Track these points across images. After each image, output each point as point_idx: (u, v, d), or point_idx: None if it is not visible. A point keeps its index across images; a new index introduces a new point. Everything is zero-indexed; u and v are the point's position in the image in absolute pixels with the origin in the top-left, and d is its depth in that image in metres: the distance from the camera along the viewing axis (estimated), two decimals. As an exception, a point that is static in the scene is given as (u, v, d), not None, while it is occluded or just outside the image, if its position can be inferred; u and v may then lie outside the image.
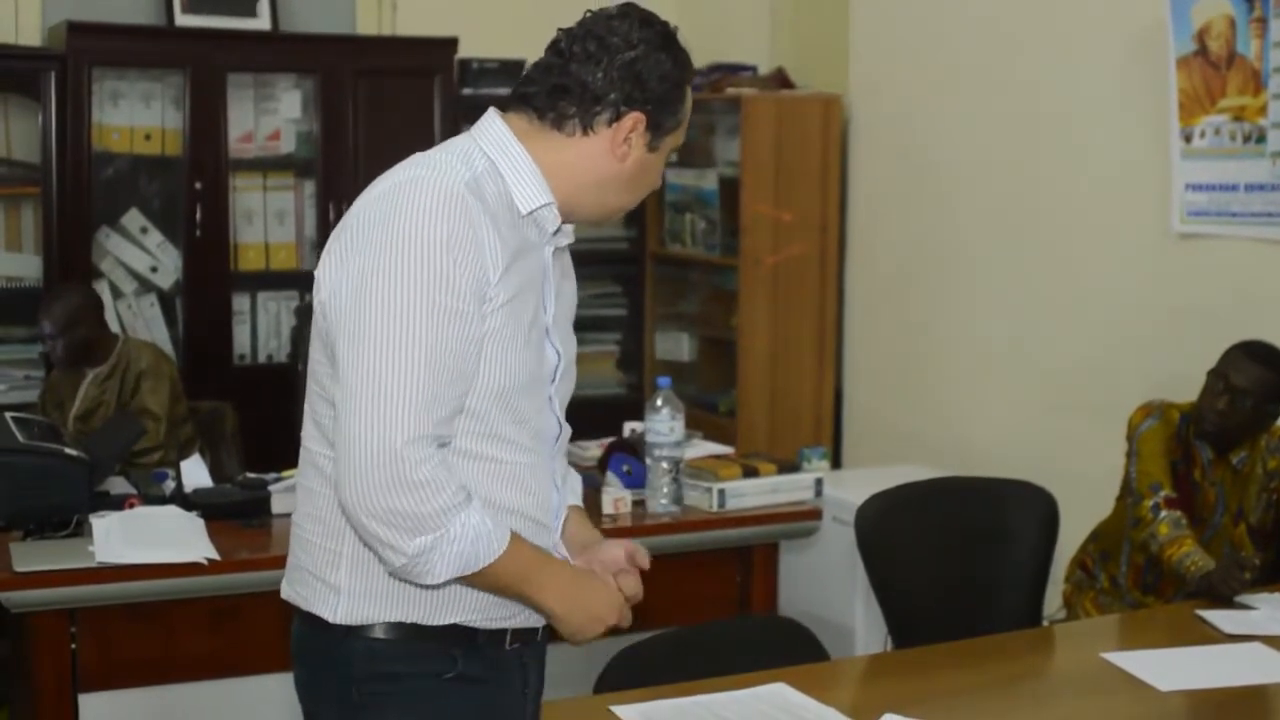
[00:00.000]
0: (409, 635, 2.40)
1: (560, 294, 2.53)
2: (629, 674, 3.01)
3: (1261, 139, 4.81)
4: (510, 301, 2.35)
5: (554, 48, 2.46)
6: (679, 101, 2.45)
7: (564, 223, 2.49)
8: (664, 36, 2.43)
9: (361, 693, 2.41)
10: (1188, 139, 5.06)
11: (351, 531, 2.38)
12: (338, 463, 2.28)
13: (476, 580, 2.34)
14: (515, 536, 2.35)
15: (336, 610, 2.41)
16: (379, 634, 2.40)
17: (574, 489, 2.76)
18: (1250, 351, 4.17)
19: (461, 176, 2.34)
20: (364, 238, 2.31)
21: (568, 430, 2.61)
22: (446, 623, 2.41)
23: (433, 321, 2.25)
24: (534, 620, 2.50)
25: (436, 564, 2.28)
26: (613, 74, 2.39)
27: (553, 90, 2.43)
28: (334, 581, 2.41)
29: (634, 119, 2.41)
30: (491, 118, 2.47)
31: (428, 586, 2.36)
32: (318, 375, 2.42)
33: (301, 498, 2.51)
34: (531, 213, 2.41)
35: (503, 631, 2.46)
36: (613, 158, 2.43)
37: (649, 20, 2.44)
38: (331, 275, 2.35)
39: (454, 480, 2.28)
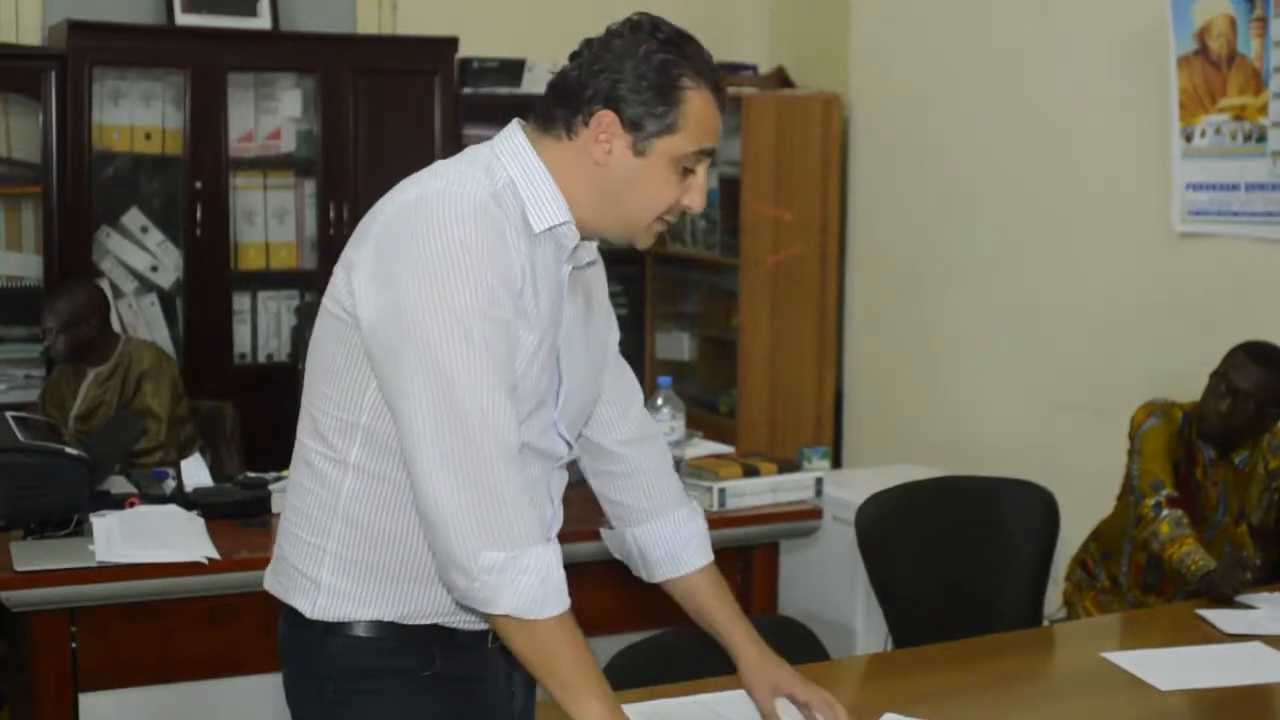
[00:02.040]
0: (388, 633, 2.40)
1: (576, 312, 2.48)
2: (629, 674, 3.00)
3: (1262, 138, 4.81)
4: (528, 318, 2.32)
5: (570, 55, 2.42)
6: (665, 102, 2.32)
7: (584, 239, 2.44)
8: (664, 40, 2.34)
9: (339, 689, 2.41)
10: (1188, 138, 5.06)
11: (337, 530, 2.38)
12: (423, 475, 2.22)
13: (523, 635, 2.25)
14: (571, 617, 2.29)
15: (315, 604, 2.40)
16: (358, 631, 2.40)
17: (696, 535, 2.75)
18: (1252, 353, 4.17)
19: (485, 189, 2.30)
20: (398, 254, 2.25)
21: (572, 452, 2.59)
22: (426, 624, 2.41)
23: (491, 334, 2.23)
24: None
25: (503, 589, 2.21)
26: (594, 71, 2.34)
27: (547, 93, 2.40)
28: (315, 576, 2.40)
29: (606, 117, 2.32)
30: (513, 129, 2.42)
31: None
32: (321, 372, 2.39)
33: (291, 492, 2.50)
34: (545, 231, 2.36)
35: (484, 631, 2.46)
36: (592, 160, 2.35)
37: (656, 25, 2.35)
38: (365, 291, 2.28)
39: (536, 513, 2.27)
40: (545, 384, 2.41)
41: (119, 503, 4.11)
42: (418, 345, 2.21)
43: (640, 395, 2.75)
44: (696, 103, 2.34)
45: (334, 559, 2.39)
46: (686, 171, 2.38)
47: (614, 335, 2.67)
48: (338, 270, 2.37)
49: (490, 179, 2.33)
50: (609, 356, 2.65)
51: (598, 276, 2.60)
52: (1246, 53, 4.83)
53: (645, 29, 2.34)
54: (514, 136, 2.40)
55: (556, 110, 2.37)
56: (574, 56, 2.39)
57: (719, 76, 2.39)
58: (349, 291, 2.31)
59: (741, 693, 2.85)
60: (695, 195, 2.41)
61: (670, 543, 2.72)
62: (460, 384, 2.21)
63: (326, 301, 2.38)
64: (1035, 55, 5.78)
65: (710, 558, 2.75)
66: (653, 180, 2.36)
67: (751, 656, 2.72)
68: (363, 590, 2.38)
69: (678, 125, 2.33)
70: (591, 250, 2.49)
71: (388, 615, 2.39)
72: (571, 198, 2.37)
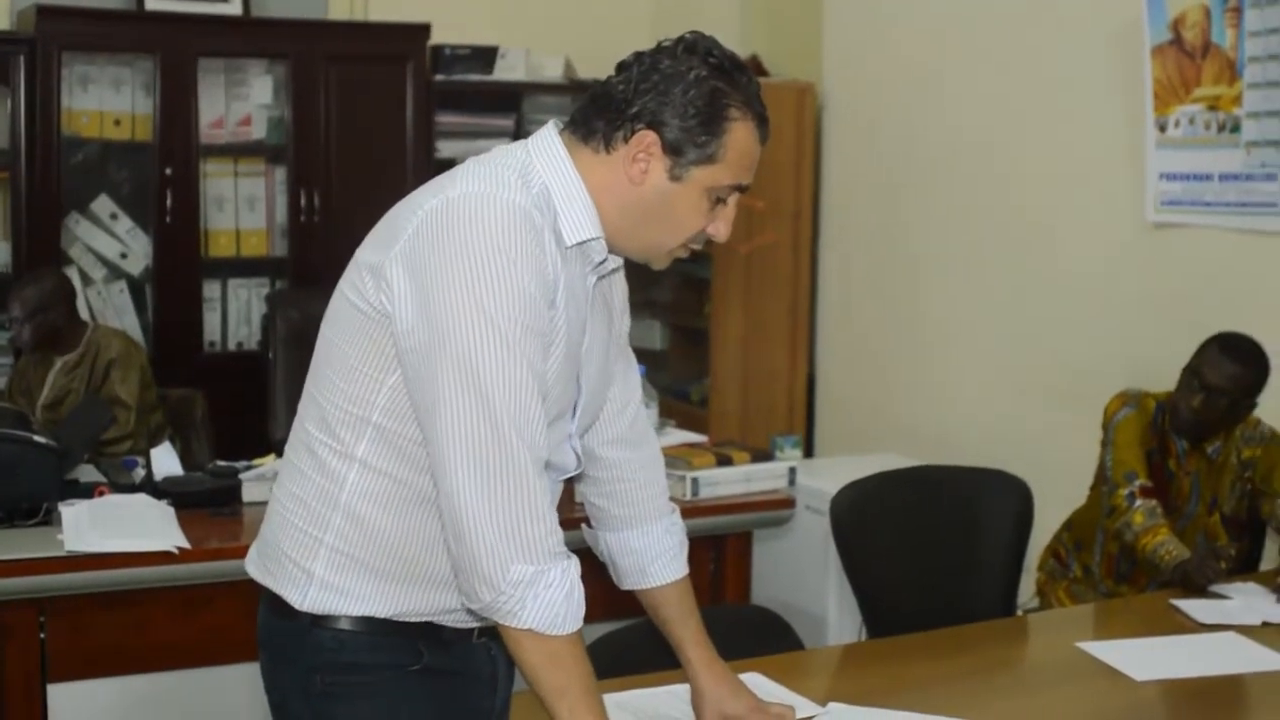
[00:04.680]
0: (375, 628, 2.37)
1: (597, 323, 2.45)
2: (603, 663, 2.97)
3: (1236, 128, 4.81)
4: (556, 330, 2.30)
5: (617, 66, 2.35)
6: (710, 133, 2.27)
7: (610, 253, 2.40)
8: (715, 65, 2.29)
9: (326, 682, 2.38)
10: (1162, 128, 5.06)
11: (337, 524, 2.34)
12: (454, 484, 2.19)
13: (539, 651, 2.22)
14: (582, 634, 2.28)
15: (306, 595, 2.36)
16: (346, 625, 2.36)
17: (669, 550, 2.72)
18: (1224, 347, 4.16)
19: (523, 195, 2.25)
20: (437, 257, 2.19)
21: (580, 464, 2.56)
22: (416, 621, 2.39)
23: (529, 345, 2.20)
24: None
25: (529, 603, 2.18)
26: (641, 88, 2.28)
27: (588, 102, 2.35)
28: (309, 568, 2.36)
29: (647, 137, 2.28)
30: (550, 134, 2.37)
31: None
32: (333, 362, 2.34)
33: (288, 475, 2.44)
34: (575, 245, 2.32)
35: (471, 628, 2.44)
36: (626, 177, 2.31)
37: (710, 49, 2.30)
38: (403, 292, 2.23)
39: (560, 528, 2.25)
40: (567, 397, 2.39)
41: (88, 491, 4.09)
42: (455, 353, 2.17)
43: (639, 395, 2.72)
44: (739, 134, 2.31)
45: (330, 552, 2.35)
46: (718, 201, 2.35)
47: (626, 324, 2.64)
48: (361, 269, 2.30)
49: (525, 185, 2.28)
50: (619, 351, 2.62)
51: (618, 280, 2.56)
52: (1221, 43, 4.83)
53: (699, 52, 2.29)
54: (551, 142, 2.35)
55: (596, 122, 2.32)
56: (621, 68, 2.34)
57: (765, 109, 2.36)
58: (378, 288, 2.25)
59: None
60: (722, 226, 2.38)
61: (641, 555, 2.70)
62: (498, 395, 2.17)
63: (347, 292, 2.33)
64: (1010, 44, 5.77)
65: (681, 573, 2.72)
66: (684, 207, 2.33)
67: (705, 684, 2.69)
68: (356, 586, 2.35)
69: (718, 156, 2.30)
70: (616, 258, 2.45)
71: (379, 612, 2.36)
72: (601, 212, 2.33)
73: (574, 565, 2.24)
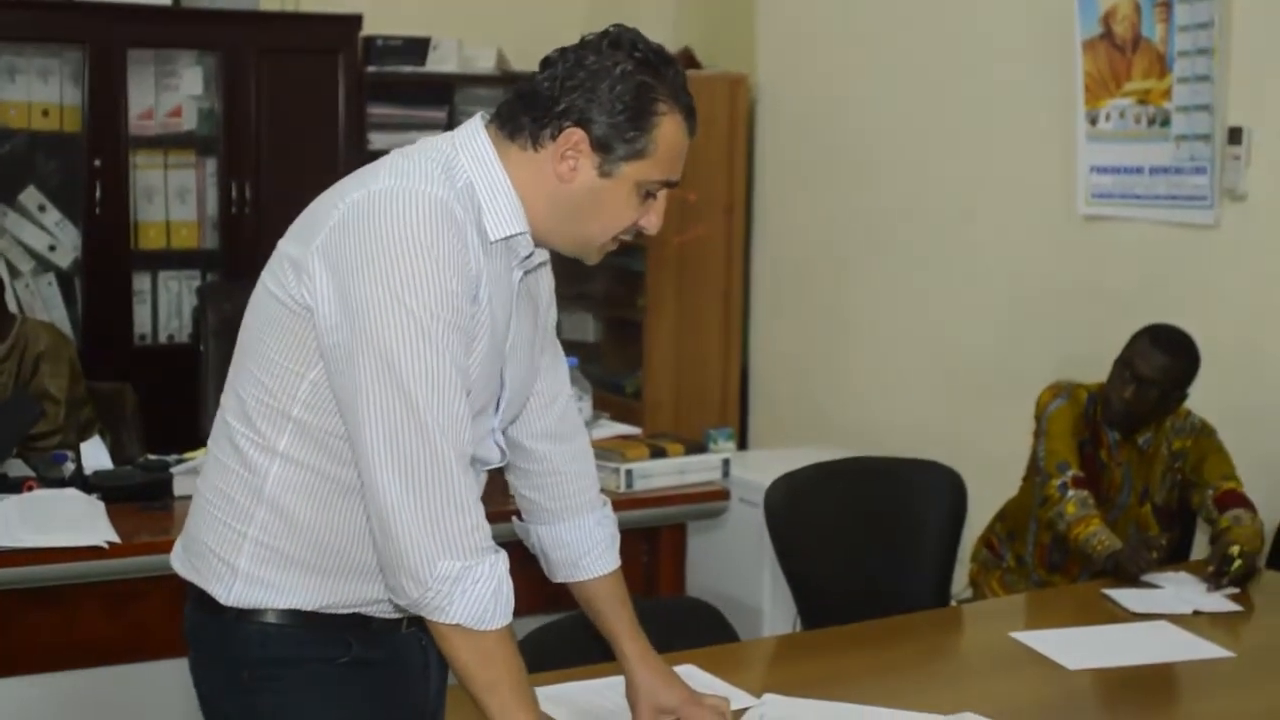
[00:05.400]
0: (302, 621, 2.36)
1: (523, 318, 2.44)
2: (536, 657, 2.97)
3: (1166, 122, 4.84)
4: (479, 325, 2.29)
5: (541, 62, 2.34)
6: (638, 128, 2.26)
7: (537, 248, 2.39)
8: (640, 60, 2.27)
9: (254, 676, 2.36)
10: (1093, 121, 5.09)
11: (260, 517, 2.32)
12: (379, 480, 2.18)
13: (468, 647, 2.21)
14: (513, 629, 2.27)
15: (231, 590, 2.34)
16: (273, 619, 2.35)
17: (600, 542, 2.71)
18: (1155, 339, 4.18)
19: (447, 189, 2.23)
20: (358, 252, 2.18)
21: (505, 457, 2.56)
22: (343, 614, 2.38)
23: (453, 340, 2.18)
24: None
25: (456, 599, 2.17)
26: (567, 85, 2.26)
27: (514, 99, 2.33)
28: (233, 562, 2.34)
29: (575, 135, 2.26)
30: (476, 128, 2.35)
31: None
32: (254, 355, 2.33)
33: (211, 469, 2.42)
34: (500, 240, 2.31)
35: (399, 618, 2.43)
36: (555, 175, 2.30)
37: (634, 43, 2.29)
38: (324, 288, 2.21)
39: (486, 523, 2.24)
40: (489, 392, 2.38)
41: (16, 486, 4.04)
42: (377, 349, 2.16)
43: (568, 388, 2.71)
44: (668, 129, 2.29)
45: (254, 545, 2.33)
46: (648, 195, 2.34)
47: (553, 317, 2.62)
48: (283, 262, 2.28)
49: (450, 180, 2.26)
50: (546, 344, 2.60)
51: (544, 274, 2.55)
52: (1151, 37, 4.86)
53: (624, 46, 2.28)
54: (476, 137, 2.33)
55: (523, 119, 2.30)
56: (546, 64, 2.32)
57: (692, 101, 2.34)
58: (299, 281, 2.23)
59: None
60: (654, 218, 2.37)
61: (573, 548, 2.69)
62: (421, 390, 2.16)
63: (269, 284, 2.31)
64: (943, 38, 5.80)
65: (614, 566, 2.71)
66: (615, 202, 2.32)
67: (640, 677, 2.68)
68: (282, 579, 2.33)
69: (647, 151, 2.29)
70: (542, 252, 2.44)
71: (306, 605, 2.35)
72: (530, 209, 2.32)
73: (502, 560, 2.23)
